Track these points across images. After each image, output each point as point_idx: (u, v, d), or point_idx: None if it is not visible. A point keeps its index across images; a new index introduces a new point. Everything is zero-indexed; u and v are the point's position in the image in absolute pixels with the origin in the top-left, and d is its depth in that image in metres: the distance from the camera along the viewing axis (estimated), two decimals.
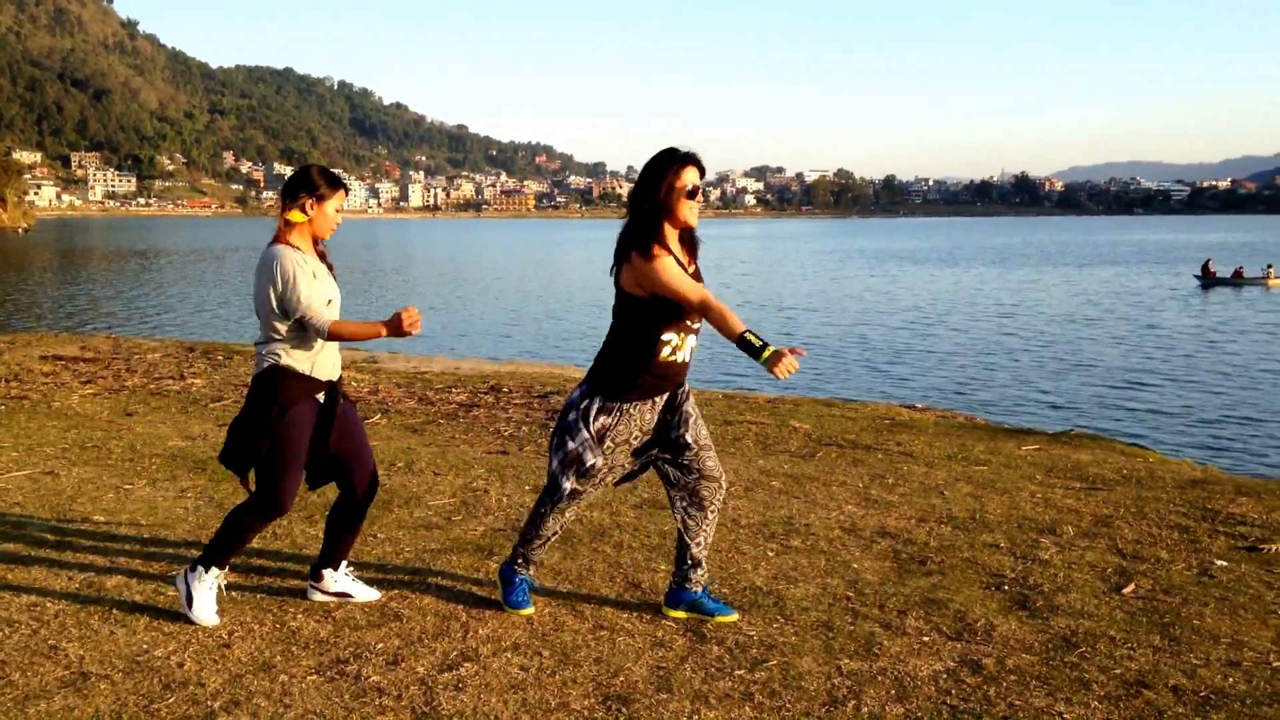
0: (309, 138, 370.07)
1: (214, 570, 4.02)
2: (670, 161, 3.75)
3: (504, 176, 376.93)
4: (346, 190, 4.04)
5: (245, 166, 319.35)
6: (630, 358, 3.81)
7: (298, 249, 3.86)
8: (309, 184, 3.90)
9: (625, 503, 5.81)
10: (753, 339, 3.56)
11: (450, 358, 15.66)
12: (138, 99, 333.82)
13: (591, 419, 3.83)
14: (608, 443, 3.85)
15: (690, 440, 3.94)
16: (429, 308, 27.81)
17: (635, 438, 3.90)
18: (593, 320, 25.91)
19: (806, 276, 45.93)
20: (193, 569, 4.03)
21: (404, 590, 4.37)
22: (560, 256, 67.93)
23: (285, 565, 4.69)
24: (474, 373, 11.92)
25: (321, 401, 4.00)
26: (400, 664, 3.64)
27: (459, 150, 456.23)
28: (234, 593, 4.32)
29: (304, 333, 3.86)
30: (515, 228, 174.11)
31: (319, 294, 3.83)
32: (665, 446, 3.96)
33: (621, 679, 3.54)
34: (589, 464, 3.84)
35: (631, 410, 3.83)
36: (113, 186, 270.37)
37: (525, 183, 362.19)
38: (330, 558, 4.21)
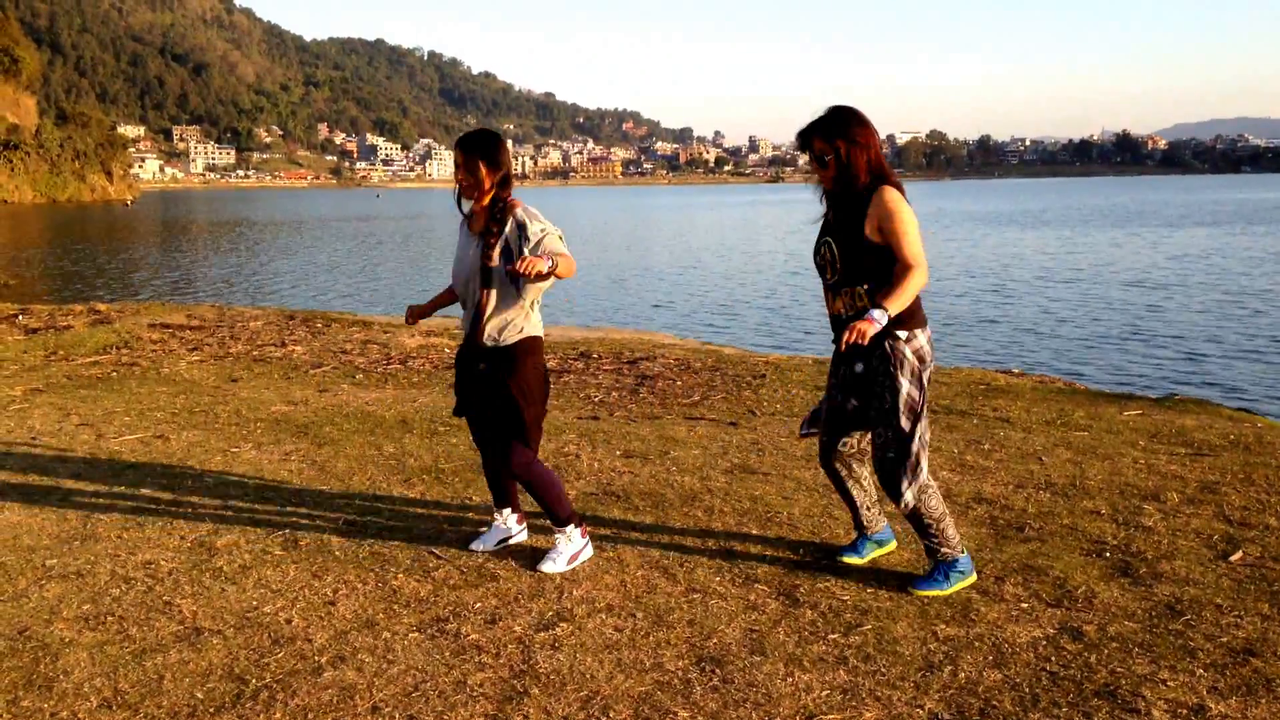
0: (400, 108, 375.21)
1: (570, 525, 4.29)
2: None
3: (591, 144, 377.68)
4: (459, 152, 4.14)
5: (339, 138, 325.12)
6: None
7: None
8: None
9: (716, 468, 5.82)
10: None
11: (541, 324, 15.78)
12: (235, 72, 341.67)
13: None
14: None
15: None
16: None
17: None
18: (681, 286, 25.87)
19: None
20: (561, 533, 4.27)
21: (499, 552, 4.45)
22: (648, 222, 67.85)
23: (388, 525, 4.81)
24: (563, 339, 12.02)
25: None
26: (498, 623, 3.72)
27: (546, 118, 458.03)
28: (338, 553, 4.45)
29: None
30: (602, 195, 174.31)
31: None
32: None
33: (715, 641, 3.57)
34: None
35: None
36: (213, 159, 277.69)
37: (612, 149, 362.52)
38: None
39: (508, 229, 4.03)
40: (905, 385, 3.79)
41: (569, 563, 4.24)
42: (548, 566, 4.20)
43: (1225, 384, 13.51)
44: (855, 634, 3.61)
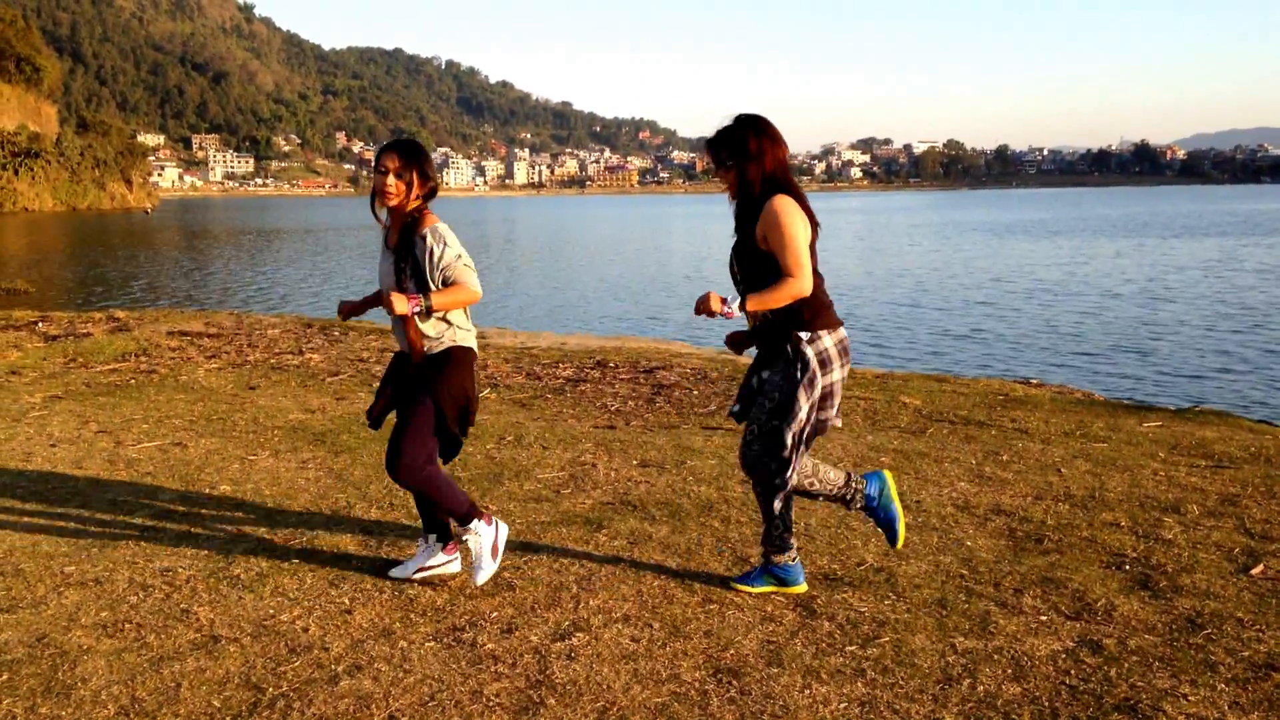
0: (418, 117, 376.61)
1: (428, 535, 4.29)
2: None
3: (607, 153, 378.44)
4: (379, 155, 4.06)
5: (357, 146, 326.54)
6: None
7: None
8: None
9: (733, 478, 5.81)
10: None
11: (557, 333, 15.81)
12: (254, 81, 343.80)
13: None
14: None
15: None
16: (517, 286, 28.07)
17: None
18: (696, 295, 25.83)
19: (913, 251, 45.09)
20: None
21: (515, 561, 4.44)
22: (664, 232, 67.88)
23: (405, 533, 4.81)
24: (580, 348, 12.03)
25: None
26: (514, 633, 3.72)
27: (563, 127, 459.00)
28: (355, 561, 4.46)
29: None
30: (619, 204, 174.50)
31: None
32: None
33: (732, 652, 3.55)
34: None
35: None
36: (232, 167, 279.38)
37: (629, 159, 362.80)
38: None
39: (417, 250, 3.92)
40: (802, 391, 3.79)
41: (494, 557, 4.09)
42: (480, 577, 4.05)
43: (1246, 396, 13.42)
44: (873, 646, 3.59)
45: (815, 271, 3.84)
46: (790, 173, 3.89)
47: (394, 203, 3.99)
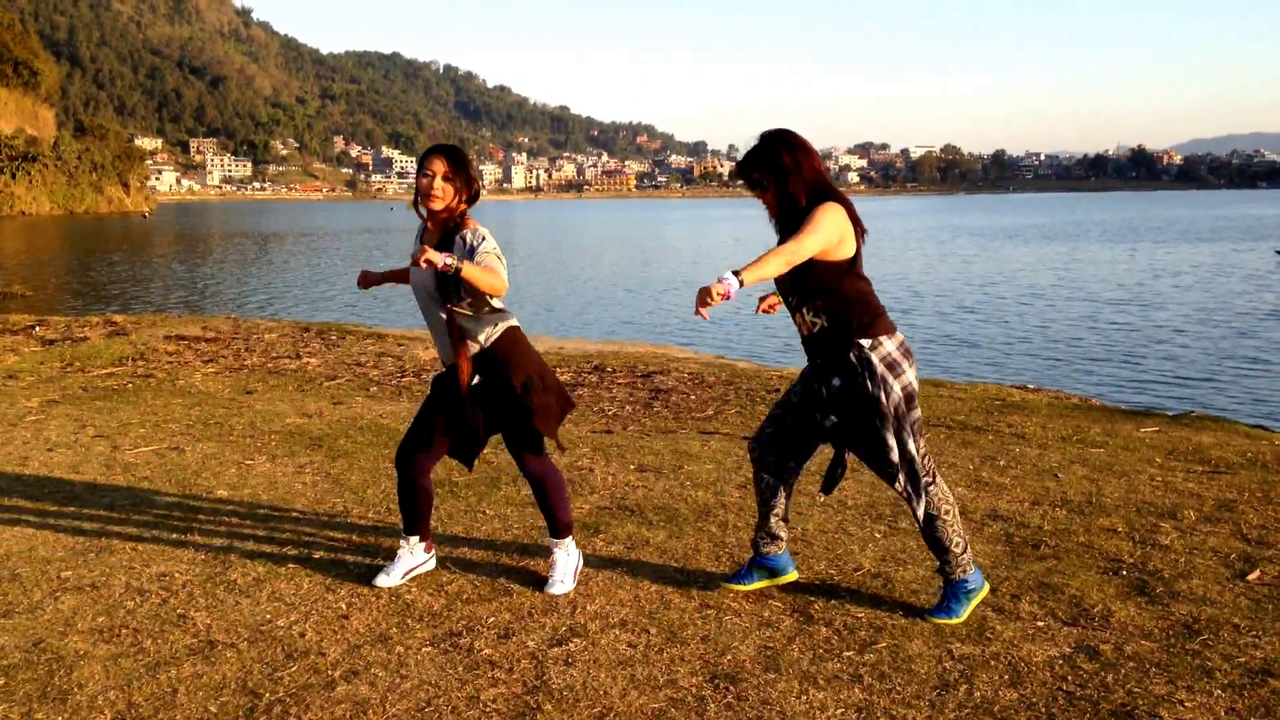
0: (415, 121, 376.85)
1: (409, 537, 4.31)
2: None
3: (605, 157, 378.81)
4: (425, 157, 4.07)
5: (355, 150, 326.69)
6: None
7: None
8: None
9: (730, 483, 5.81)
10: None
11: (554, 337, 15.82)
12: (252, 85, 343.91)
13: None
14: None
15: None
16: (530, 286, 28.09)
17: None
18: (693, 298, 25.81)
19: (910, 255, 45.12)
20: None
21: (513, 566, 4.44)
22: (662, 236, 67.91)
23: (399, 539, 4.80)
24: (577, 352, 12.03)
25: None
26: (511, 638, 3.72)
27: (561, 131, 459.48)
28: (352, 566, 4.46)
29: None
30: (616, 208, 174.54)
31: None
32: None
33: (729, 658, 3.55)
34: None
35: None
36: (229, 171, 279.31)
37: (626, 163, 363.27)
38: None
39: (456, 248, 3.95)
40: (882, 395, 3.71)
41: (575, 579, 4.22)
42: (558, 589, 4.15)
43: (1243, 401, 13.43)
44: (870, 652, 3.59)
45: (863, 276, 3.79)
46: (831, 181, 3.84)
47: (438, 205, 4.00)
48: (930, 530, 3.87)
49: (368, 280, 4.42)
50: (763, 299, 4.20)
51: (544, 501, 4.20)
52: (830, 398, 3.80)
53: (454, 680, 3.40)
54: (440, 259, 3.69)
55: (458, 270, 3.72)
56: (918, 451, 3.77)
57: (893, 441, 3.72)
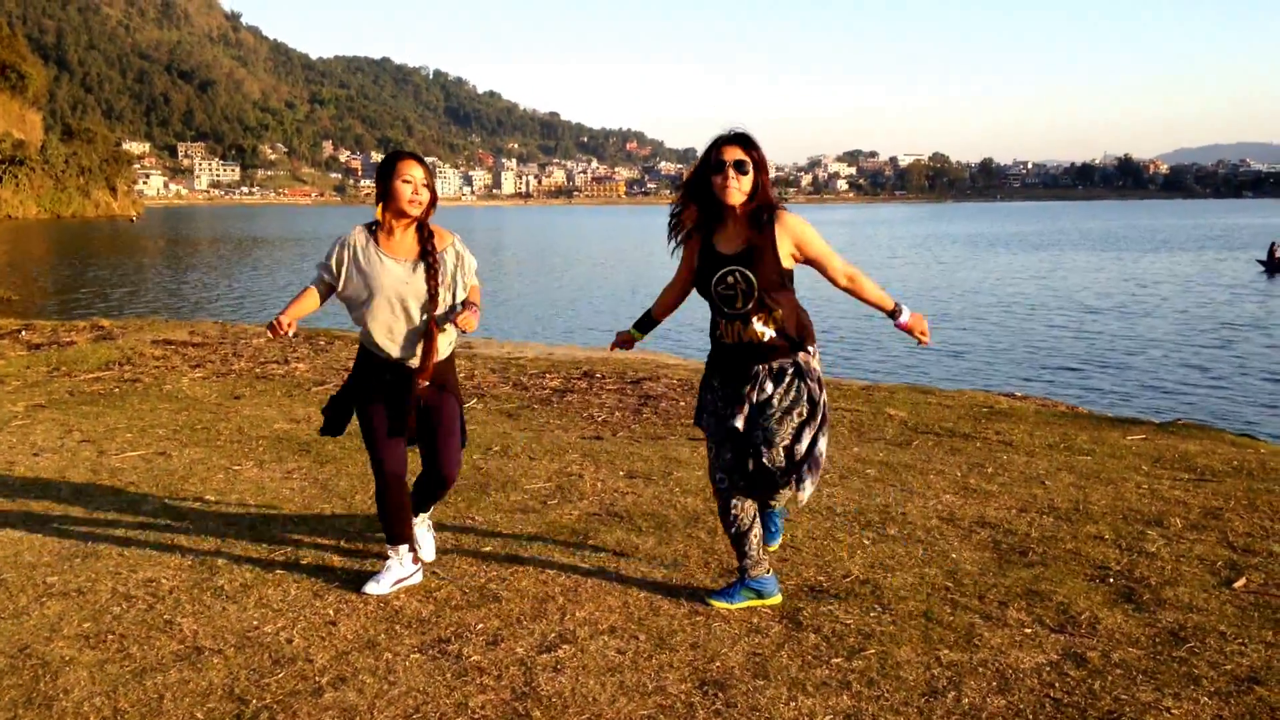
0: (405, 126, 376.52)
1: (398, 546, 4.29)
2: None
3: (595, 163, 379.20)
4: (399, 161, 4.10)
5: (344, 155, 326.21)
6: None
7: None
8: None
9: None
10: None
11: (544, 344, 15.81)
12: (241, 90, 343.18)
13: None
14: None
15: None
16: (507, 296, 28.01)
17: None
18: (685, 308, 25.85)
19: (898, 262, 45.24)
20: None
21: (501, 572, 4.44)
22: (652, 242, 67.94)
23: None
24: (567, 358, 12.03)
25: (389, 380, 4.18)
26: (500, 645, 3.71)
27: (551, 137, 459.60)
28: (339, 572, 4.44)
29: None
30: (606, 214, 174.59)
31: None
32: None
33: (718, 664, 3.55)
34: None
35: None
36: (217, 176, 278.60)
37: (616, 169, 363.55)
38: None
39: (450, 261, 4.09)
40: (823, 399, 3.89)
41: (391, 587, 4.26)
42: (372, 589, 4.23)
43: (1229, 409, 13.49)
44: (859, 658, 3.60)
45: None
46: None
47: (418, 211, 4.05)
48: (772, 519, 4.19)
49: (280, 326, 3.99)
50: (620, 334, 4.58)
51: (432, 499, 4.44)
52: (762, 403, 3.87)
53: (442, 687, 3.39)
54: (476, 322, 4.02)
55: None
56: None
57: (822, 443, 3.89)
